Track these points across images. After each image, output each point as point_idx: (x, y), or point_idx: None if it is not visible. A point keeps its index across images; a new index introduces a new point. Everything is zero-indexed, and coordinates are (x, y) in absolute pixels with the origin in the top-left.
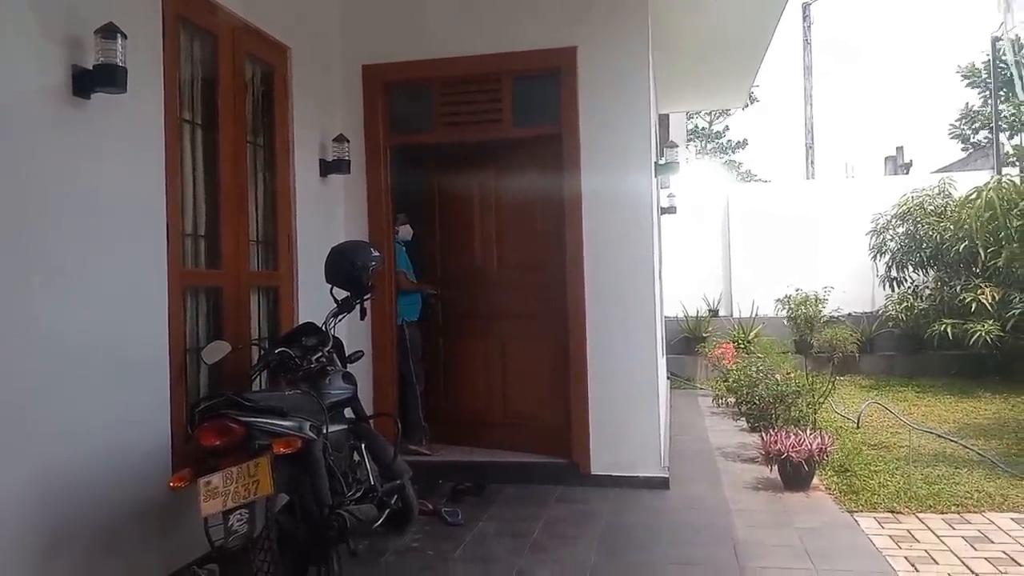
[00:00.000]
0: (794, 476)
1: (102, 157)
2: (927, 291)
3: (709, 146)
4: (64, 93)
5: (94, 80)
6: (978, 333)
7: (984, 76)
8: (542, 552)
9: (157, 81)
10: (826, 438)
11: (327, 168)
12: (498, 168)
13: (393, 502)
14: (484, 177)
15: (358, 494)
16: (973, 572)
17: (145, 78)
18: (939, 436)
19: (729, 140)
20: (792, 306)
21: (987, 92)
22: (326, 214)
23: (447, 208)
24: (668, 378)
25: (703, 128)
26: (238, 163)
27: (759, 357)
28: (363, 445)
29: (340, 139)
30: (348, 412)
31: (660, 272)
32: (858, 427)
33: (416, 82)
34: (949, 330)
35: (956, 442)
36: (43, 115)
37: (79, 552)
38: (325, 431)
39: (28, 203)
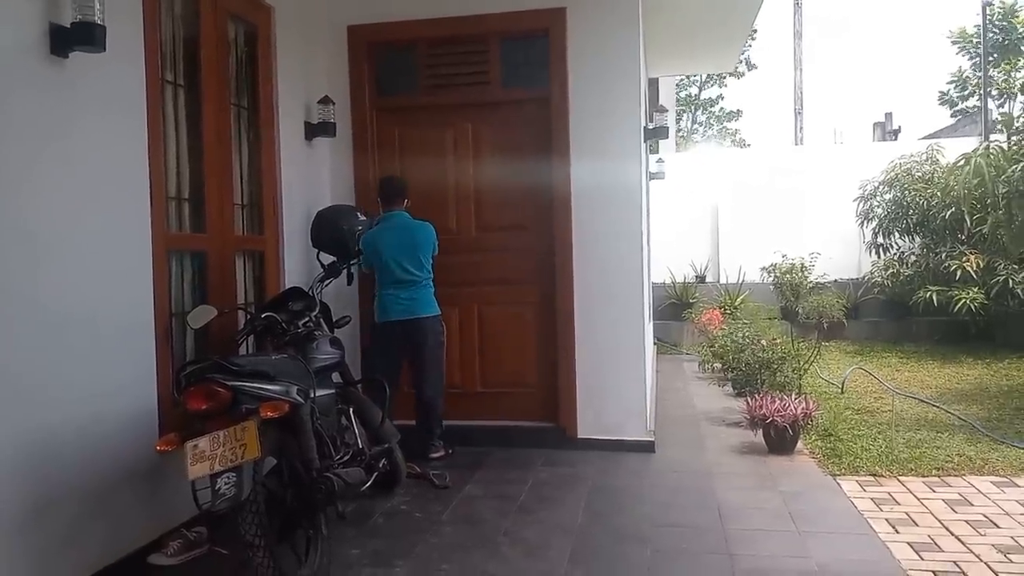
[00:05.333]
0: (778, 440)
1: (82, 118)
2: (913, 258)
3: (701, 114)
4: (41, 52)
5: (71, 38)
6: (962, 300)
7: (975, 42)
8: (528, 514)
9: (137, 40)
10: (810, 403)
11: (312, 131)
12: (477, 129)
13: (381, 465)
14: (460, 136)
15: (346, 457)
16: (953, 534)
17: (125, 37)
18: (922, 401)
19: (722, 108)
20: (778, 274)
21: (977, 58)
22: (312, 177)
23: (415, 166)
24: (654, 343)
25: (694, 96)
26: (221, 125)
27: (745, 323)
28: (351, 409)
29: (325, 101)
30: (336, 376)
31: (648, 237)
32: (842, 392)
33: (403, 43)
34: (934, 297)
35: (938, 407)
36: (18, 74)
37: (67, 515)
38: (312, 395)
39: (3, 165)
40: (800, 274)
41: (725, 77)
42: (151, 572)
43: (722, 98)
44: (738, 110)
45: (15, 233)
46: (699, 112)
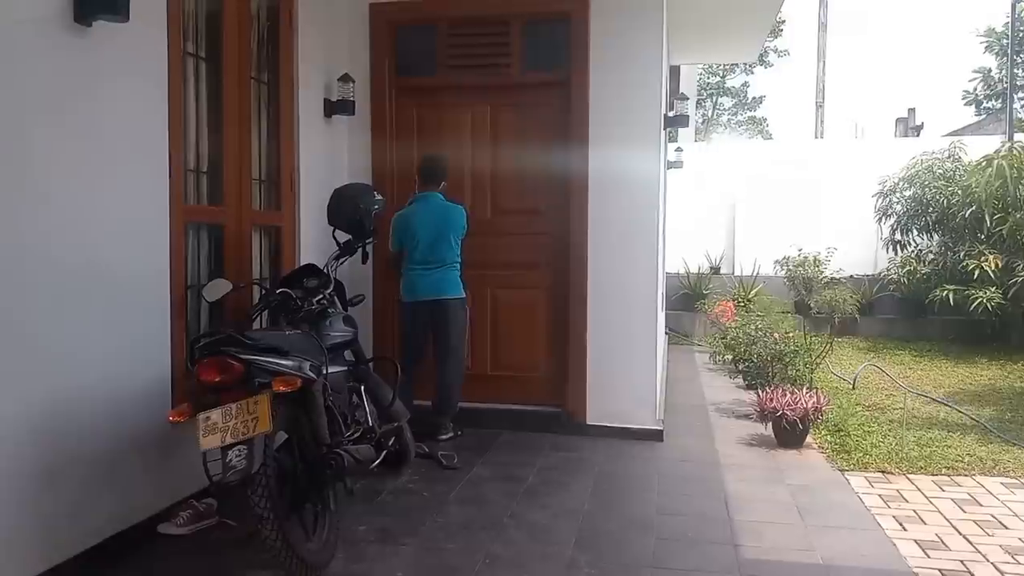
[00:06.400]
0: (788, 434)
1: (103, 87)
2: (930, 256)
3: (728, 100)
4: (65, 19)
5: (95, 6)
6: (979, 300)
7: (1003, 41)
8: (535, 497)
9: (160, 10)
10: (821, 398)
11: (332, 108)
12: (495, 111)
13: (390, 444)
14: (479, 118)
15: (356, 435)
16: (960, 533)
17: (148, 7)
18: (934, 400)
19: (746, 95)
20: (791, 267)
21: (1004, 57)
22: (330, 155)
23: (432, 147)
24: (666, 333)
25: (716, 83)
26: (242, 99)
27: (759, 316)
28: (362, 387)
29: (345, 79)
30: (348, 354)
31: (663, 226)
32: (854, 388)
33: (424, 23)
34: (950, 296)
35: (950, 406)
36: (43, 41)
37: (77, 482)
38: (325, 372)
39: (25, 132)
40: (813, 268)
41: (753, 66)
42: (160, 541)
43: (748, 85)
44: (761, 96)
45: (36, 198)
46: (724, 98)
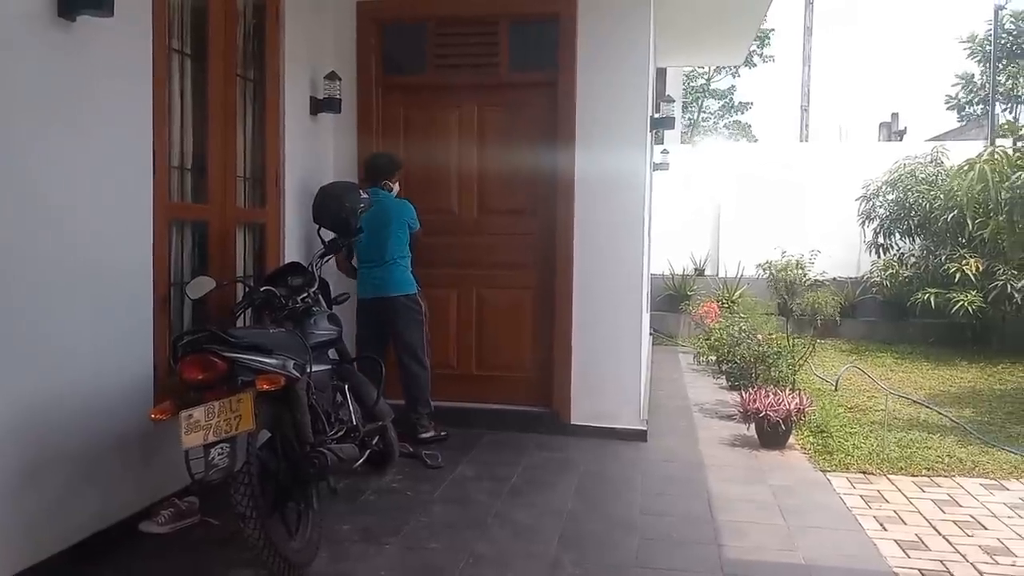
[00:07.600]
0: (771, 434)
1: (88, 83)
2: (912, 259)
3: (715, 103)
4: (48, 14)
5: (79, 1)
6: (960, 303)
7: (985, 47)
8: (519, 497)
9: (145, 6)
10: (804, 399)
11: (317, 106)
12: (483, 111)
13: (374, 443)
14: (466, 118)
15: (340, 434)
16: (940, 534)
17: (133, 2)
18: (915, 402)
19: (731, 99)
20: (773, 271)
21: (987, 63)
22: (315, 153)
23: (419, 146)
24: (651, 334)
25: (702, 86)
26: (227, 96)
27: (742, 317)
28: (346, 386)
29: (332, 77)
30: (332, 353)
31: (649, 227)
32: (836, 390)
33: (411, 21)
34: (932, 299)
35: (931, 408)
36: (25, 36)
37: (58, 479)
38: (309, 370)
39: (10, 127)
40: (795, 271)
41: (737, 69)
42: (141, 540)
43: (734, 88)
44: (747, 103)
45: (24, 194)
46: (711, 101)
